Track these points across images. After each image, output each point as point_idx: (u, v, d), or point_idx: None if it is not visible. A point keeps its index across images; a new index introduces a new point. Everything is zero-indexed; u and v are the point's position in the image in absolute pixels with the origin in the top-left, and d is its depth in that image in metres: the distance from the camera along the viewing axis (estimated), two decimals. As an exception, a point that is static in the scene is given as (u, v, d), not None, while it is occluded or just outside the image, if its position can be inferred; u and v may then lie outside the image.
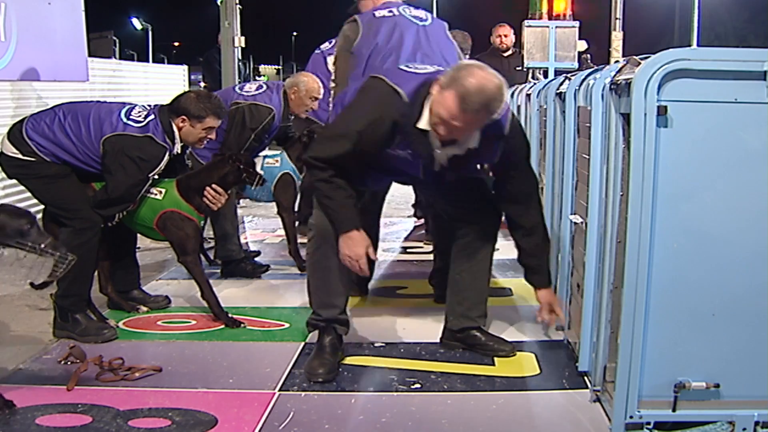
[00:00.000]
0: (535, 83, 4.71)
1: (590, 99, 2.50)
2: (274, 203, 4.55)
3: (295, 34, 48.25)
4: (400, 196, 6.50)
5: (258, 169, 4.21)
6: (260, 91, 4.17)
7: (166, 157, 3.21)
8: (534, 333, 3.22)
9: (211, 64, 8.87)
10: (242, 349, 3.08)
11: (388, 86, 2.57)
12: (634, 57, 2.24)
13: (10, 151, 3.15)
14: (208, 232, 4.43)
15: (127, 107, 3.26)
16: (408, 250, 4.99)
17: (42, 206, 3.26)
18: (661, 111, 2.06)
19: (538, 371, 2.82)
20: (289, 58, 45.40)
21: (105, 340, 3.13)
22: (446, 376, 2.77)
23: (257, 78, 29.67)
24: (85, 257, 3.10)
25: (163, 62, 22.69)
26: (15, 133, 3.17)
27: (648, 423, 2.22)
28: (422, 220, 5.59)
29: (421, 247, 4.96)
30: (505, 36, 6.44)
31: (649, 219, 2.10)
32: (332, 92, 3.20)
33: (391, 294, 3.91)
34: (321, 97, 4.28)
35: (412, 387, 2.68)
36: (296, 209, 4.59)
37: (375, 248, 3.64)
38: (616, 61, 2.60)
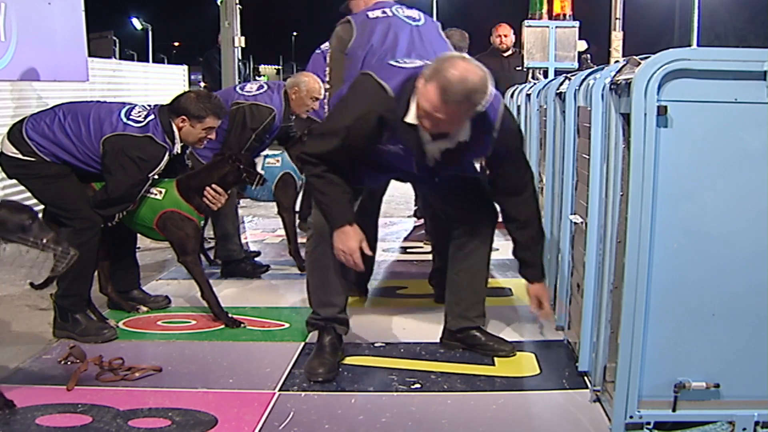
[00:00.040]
0: (535, 83, 4.71)
1: (590, 99, 2.50)
2: (274, 203, 4.56)
3: (295, 34, 48.28)
4: (400, 196, 6.50)
5: (259, 168, 4.21)
6: (261, 91, 4.17)
7: (166, 157, 3.21)
8: (534, 333, 3.22)
9: (211, 64, 8.87)
10: (242, 349, 3.08)
11: (374, 81, 2.58)
12: (634, 57, 2.24)
13: (10, 151, 3.15)
14: (209, 232, 4.44)
15: (127, 107, 3.26)
16: (408, 250, 4.99)
17: (42, 206, 3.25)
18: (661, 111, 2.06)
19: (538, 371, 2.82)
20: (289, 58, 45.43)
21: (105, 340, 3.13)
22: (446, 376, 2.77)
23: (257, 78, 29.70)
24: (85, 257, 3.09)
25: (163, 62, 22.70)
26: (15, 133, 3.17)
27: (648, 423, 2.22)
28: (422, 220, 5.59)
29: (421, 247, 4.96)
30: (505, 36, 6.44)
31: (649, 219, 2.10)
32: (327, 93, 3.21)
33: (391, 294, 3.91)
34: (322, 97, 4.27)
35: (412, 387, 2.68)
36: (297, 209, 4.59)
37: (373, 249, 3.66)
38: (616, 61, 2.60)
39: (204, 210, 3.41)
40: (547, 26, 6.42)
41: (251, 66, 27.27)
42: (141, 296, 3.62)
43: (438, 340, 3.08)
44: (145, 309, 3.54)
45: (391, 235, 5.44)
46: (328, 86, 3.21)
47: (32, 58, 4.72)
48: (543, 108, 3.79)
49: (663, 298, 2.15)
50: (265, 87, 4.22)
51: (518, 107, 4.69)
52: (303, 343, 3.08)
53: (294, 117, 4.36)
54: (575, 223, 2.83)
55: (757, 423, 2.21)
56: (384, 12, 3.10)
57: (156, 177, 3.25)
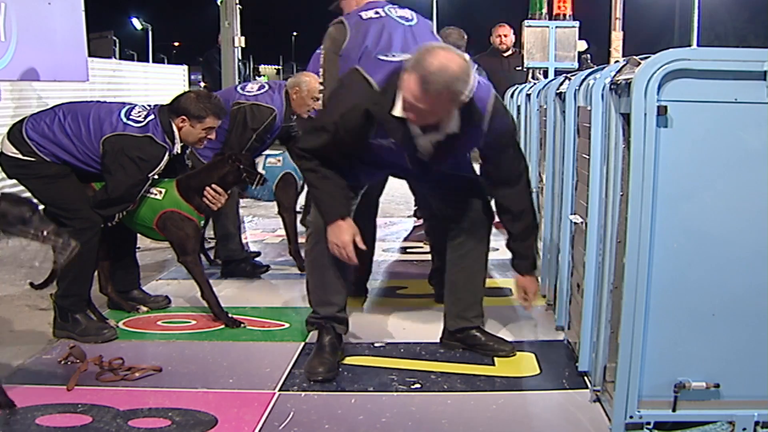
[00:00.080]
0: (535, 83, 4.72)
1: (590, 99, 2.50)
2: (274, 203, 4.55)
3: (295, 34, 48.29)
4: (400, 196, 6.50)
5: (260, 168, 4.21)
6: (262, 91, 4.17)
7: (166, 157, 3.21)
8: (534, 333, 3.23)
9: (210, 64, 8.88)
10: (242, 349, 3.08)
11: (360, 76, 2.59)
12: (634, 57, 2.24)
13: (10, 151, 3.15)
14: (209, 232, 4.44)
15: (127, 107, 3.26)
16: (408, 250, 4.99)
17: (42, 206, 3.25)
18: (661, 111, 2.06)
19: (538, 371, 2.82)
20: (289, 58, 45.45)
21: (105, 340, 3.13)
22: (446, 376, 2.77)
23: (257, 78, 29.69)
24: (85, 257, 3.10)
25: (163, 62, 22.70)
26: (15, 133, 3.17)
27: (648, 423, 2.22)
28: (422, 220, 5.59)
29: (421, 247, 4.96)
30: (505, 36, 6.44)
31: (649, 219, 2.10)
32: (322, 95, 3.21)
33: (391, 294, 3.91)
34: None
35: (412, 387, 2.68)
36: (299, 208, 4.59)
37: (371, 249, 3.67)
38: (616, 61, 2.60)
39: (204, 210, 3.41)
40: (547, 26, 6.42)
41: (251, 66, 27.28)
42: (141, 296, 3.61)
43: (438, 340, 3.08)
44: (145, 309, 3.54)
45: (391, 235, 5.44)
46: (322, 87, 3.21)
47: (32, 58, 4.72)
48: (543, 108, 3.79)
49: (663, 298, 2.15)
50: (266, 87, 4.22)
51: (518, 107, 4.69)
52: (303, 343, 3.08)
53: (295, 117, 4.36)
54: (575, 223, 2.83)
55: (757, 423, 2.21)
56: (377, 12, 3.11)
57: (156, 177, 3.25)
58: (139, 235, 3.56)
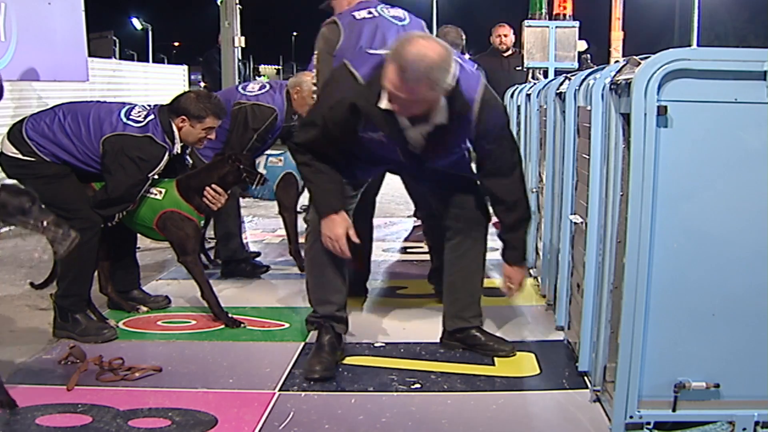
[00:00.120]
0: (535, 83, 4.72)
1: (590, 99, 2.50)
2: (274, 203, 4.55)
3: (295, 34, 48.28)
4: (400, 196, 6.49)
5: (261, 167, 4.21)
6: (263, 91, 4.16)
7: (166, 157, 3.21)
8: (534, 333, 3.23)
9: (210, 65, 8.88)
10: (242, 349, 3.08)
11: (346, 70, 2.60)
12: (634, 57, 2.24)
13: (10, 151, 3.15)
14: (209, 232, 4.43)
15: (127, 107, 3.26)
16: (408, 250, 4.99)
17: (42, 206, 3.26)
18: (661, 111, 2.06)
19: (538, 371, 2.82)
20: (289, 58, 45.46)
21: (105, 340, 3.12)
22: (446, 376, 2.77)
23: (257, 78, 29.68)
24: (85, 257, 3.10)
25: (163, 62, 22.72)
26: (15, 133, 3.17)
27: (648, 423, 2.22)
28: (420, 221, 5.59)
29: (421, 247, 4.95)
30: (505, 36, 6.45)
31: (649, 219, 2.10)
32: (316, 95, 3.22)
33: (391, 294, 3.91)
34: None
35: (412, 387, 2.68)
36: (299, 209, 4.59)
37: (368, 248, 3.68)
38: (616, 61, 2.60)
39: (204, 210, 3.41)
40: (547, 26, 6.43)
41: (251, 66, 27.28)
42: (141, 296, 3.61)
43: (438, 340, 3.08)
44: (145, 309, 3.54)
45: (391, 235, 5.44)
46: (314, 88, 3.21)
47: (32, 58, 4.73)
48: (543, 108, 3.79)
49: (663, 298, 2.15)
50: (267, 87, 4.22)
51: (518, 107, 4.69)
52: (303, 343, 3.08)
53: (296, 116, 4.35)
54: (575, 223, 2.82)
55: (757, 423, 2.21)
56: (370, 12, 3.11)
57: (156, 177, 3.25)
58: (139, 235, 3.56)
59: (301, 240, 4.01)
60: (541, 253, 3.73)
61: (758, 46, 2.41)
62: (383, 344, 3.10)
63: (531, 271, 4.11)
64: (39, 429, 2.34)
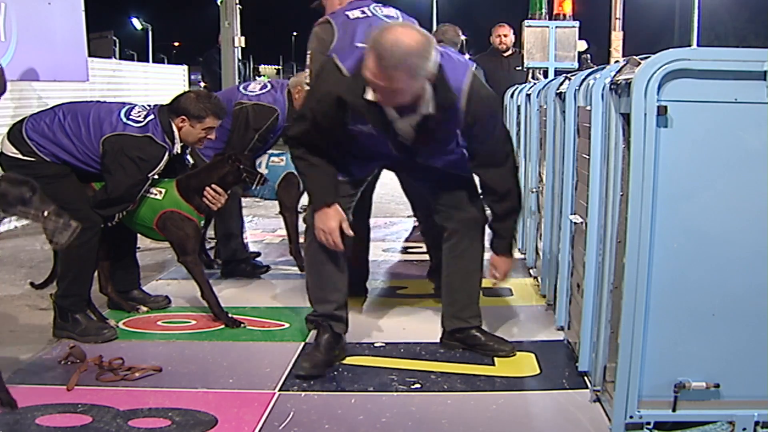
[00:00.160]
0: (535, 83, 4.72)
1: (590, 99, 2.50)
2: (275, 202, 4.55)
3: (295, 34, 48.23)
4: (399, 196, 6.47)
5: (263, 167, 4.20)
6: (264, 90, 4.16)
7: (166, 157, 3.21)
8: (534, 333, 3.22)
9: (210, 65, 8.87)
10: (242, 349, 3.08)
11: (332, 64, 2.62)
12: (634, 57, 2.24)
13: (10, 151, 3.15)
14: (209, 232, 4.43)
15: (127, 107, 3.26)
16: (408, 250, 4.99)
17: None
18: (661, 111, 2.06)
19: (538, 371, 2.81)
20: (289, 58, 45.44)
21: (105, 340, 3.12)
22: (446, 376, 2.77)
23: (257, 78, 29.69)
24: (85, 257, 3.11)
25: (163, 62, 22.71)
26: (15, 133, 3.17)
27: (648, 423, 2.22)
28: (418, 222, 5.58)
29: (421, 247, 4.93)
30: (505, 36, 6.45)
31: (649, 219, 2.10)
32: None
33: (391, 294, 3.91)
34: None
35: (412, 387, 2.68)
36: (299, 209, 4.59)
37: (366, 250, 3.68)
38: (616, 61, 2.60)
39: (204, 210, 3.41)
40: (547, 26, 6.43)
41: (251, 66, 27.27)
42: (141, 296, 3.61)
43: (438, 340, 3.08)
44: (145, 309, 3.54)
45: (391, 235, 5.44)
46: (308, 88, 3.21)
47: (32, 58, 4.73)
48: (543, 108, 3.79)
49: (663, 298, 2.15)
50: (269, 86, 4.21)
51: (518, 107, 4.69)
52: (303, 343, 3.08)
53: (298, 116, 4.36)
54: (575, 223, 2.82)
55: (757, 423, 2.21)
56: (363, 12, 3.12)
57: (156, 177, 3.25)
58: (139, 235, 3.56)
59: (302, 240, 4.02)
60: (541, 253, 3.72)
61: (758, 46, 2.41)
62: (383, 344, 3.10)
63: (531, 271, 4.12)
64: (39, 429, 2.34)
